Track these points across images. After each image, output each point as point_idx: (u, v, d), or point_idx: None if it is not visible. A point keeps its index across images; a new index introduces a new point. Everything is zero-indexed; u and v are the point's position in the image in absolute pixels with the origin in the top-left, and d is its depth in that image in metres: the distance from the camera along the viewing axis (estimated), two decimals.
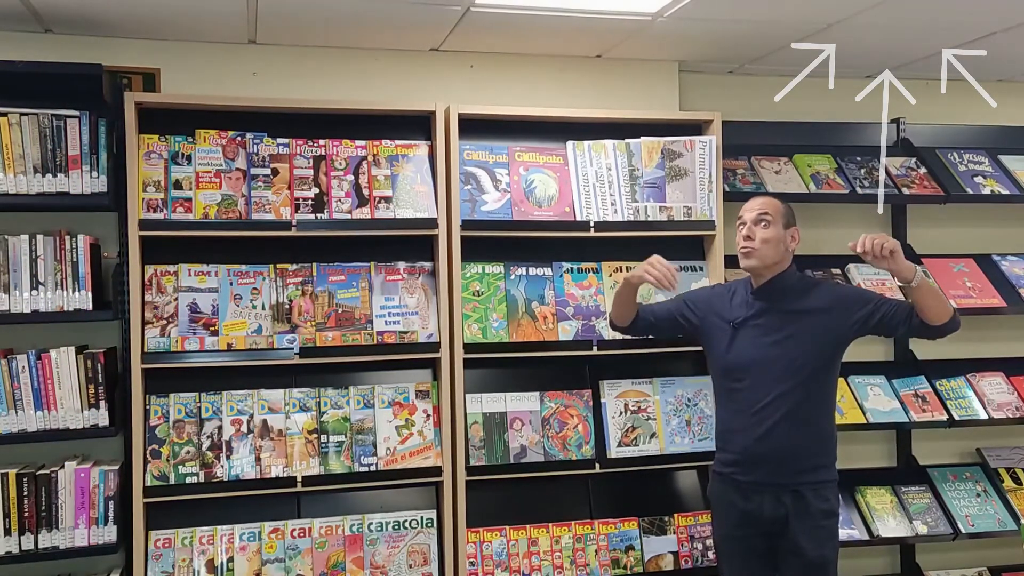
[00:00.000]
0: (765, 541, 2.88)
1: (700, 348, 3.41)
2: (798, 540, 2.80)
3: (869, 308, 2.84)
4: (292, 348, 3.19)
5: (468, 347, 3.32)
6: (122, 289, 3.15)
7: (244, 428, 3.19)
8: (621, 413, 3.49)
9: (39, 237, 3.03)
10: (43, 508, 3.00)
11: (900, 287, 2.78)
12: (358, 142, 3.36)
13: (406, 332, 3.31)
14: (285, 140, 3.29)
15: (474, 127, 3.40)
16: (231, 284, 3.23)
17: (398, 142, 3.41)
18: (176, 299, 3.17)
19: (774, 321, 2.86)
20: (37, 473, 3.01)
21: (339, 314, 3.28)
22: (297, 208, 3.24)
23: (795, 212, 2.98)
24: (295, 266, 3.30)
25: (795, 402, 2.81)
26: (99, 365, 3.05)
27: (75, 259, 3.05)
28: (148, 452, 3.11)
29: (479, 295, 3.39)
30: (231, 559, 3.15)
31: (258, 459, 3.18)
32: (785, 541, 2.83)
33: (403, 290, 3.36)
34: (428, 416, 3.34)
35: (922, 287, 2.72)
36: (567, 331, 3.43)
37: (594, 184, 3.46)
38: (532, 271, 3.48)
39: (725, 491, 2.95)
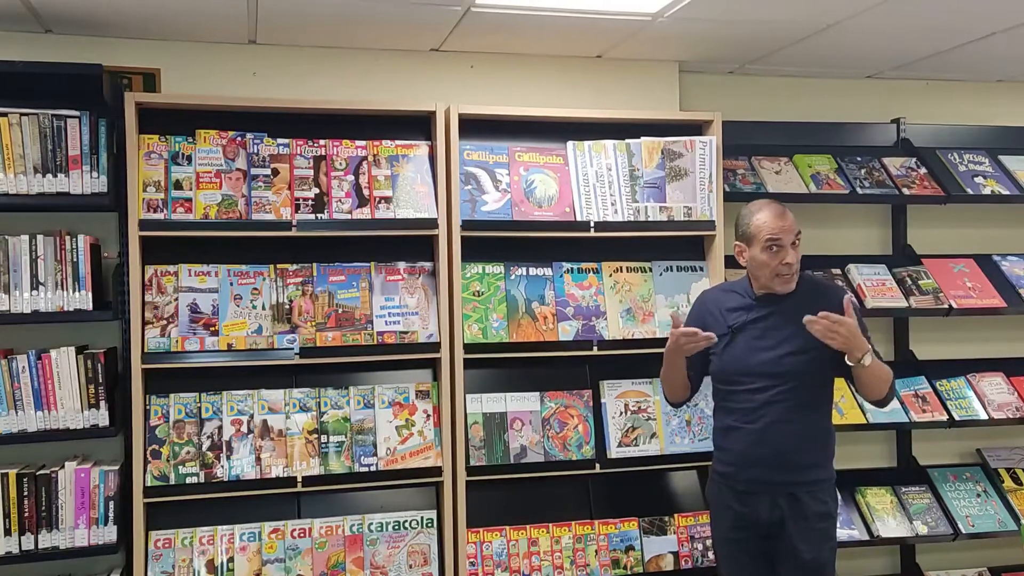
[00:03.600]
0: (762, 543, 2.88)
1: None
2: (794, 543, 2.80)
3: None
4: (292, 348, 3.19)
5: (468, 347, 3.31)
6: (122, 289, 3.15)
7: (244, 428, 3.19)
8: (621, 413, 3.49)
9: (39, 237, 3.03)
10: (43, 508, 3.00)
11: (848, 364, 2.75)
12: (358, 142, 3.36)
13: (406, 332, 3.31)
14: (285, 140, 3.29)
15: (474, 127, 3.40)
16: (231, 284, 3.23)
17: (398, 142, 3.41)
18: (176, 299, 3.17)
19: (774, 324, 2.85)
20: (37, 473, 3.01)
21: (339, 314, 3.28)
22: (297, 208, 3.24)
23: (795, 213, 2.95)
24: (295, 266, 3.30)
25: (792, 403, 2.80)
26: (99, 365, 3.05)
27: (75, 259, 3.05)
28: (148, 452, 3.10)
29: (479, 295, 3.39)
30: (231, 559, 3.15)
31: (258, 459, 3.18)
32: (782, 543, 2.83)
33: (403, 290, 3.36)
34: (428, 416, 3.34)
35: (872, 368, 2.73)
36: (567, 331, 3.43)
37: (594, 184, 3.46)
38: (532, 271, 3.48)
39: (722, 494, 2.95)
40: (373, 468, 3.24)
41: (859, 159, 4.00)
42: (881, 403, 2.89)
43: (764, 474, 2.83)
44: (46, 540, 3.01)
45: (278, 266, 3.29)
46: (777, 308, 2.86)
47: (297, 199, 3.24)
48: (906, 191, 3.91)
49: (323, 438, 3.24)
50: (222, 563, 3.14)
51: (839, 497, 3.07)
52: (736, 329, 2.88)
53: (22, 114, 3.01)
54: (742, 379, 2.85)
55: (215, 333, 3.17)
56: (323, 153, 3.32)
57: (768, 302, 2.88)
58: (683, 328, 2.86)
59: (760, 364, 2.82)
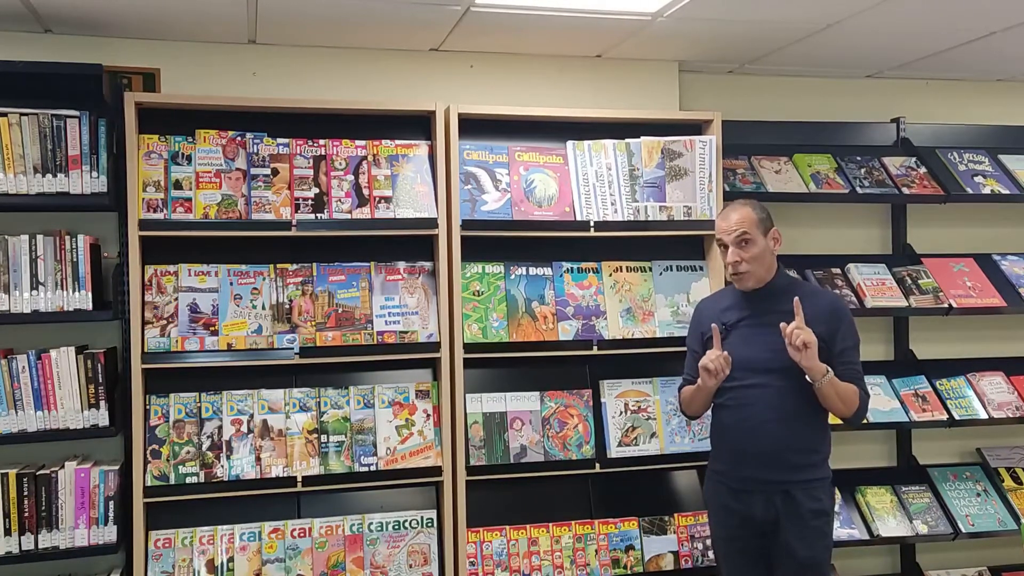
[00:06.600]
0: (759, 542, 2.89)
1: None
2: (789, 541, 2.81)
3: (840, 356, 2.84)
4: (292, 348, 3.19)
5: (468, 347, 3.32)
6: (122, 289, 3.16)
7: (244, 428, 3.19)
8: (621, 413, 3.49)
9: (39, 237, 3.03)
10: (43, 508, 3.00)
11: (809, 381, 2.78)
12: (358, 142, 3.36)
13: (406, 332, 3.31)
14: (285, 140, 3.29)
15: (474, 127, 3.40)
16: (231, 284, 3.23)
17: (398, 142, 3.41)
18: (176, 299, 3.17)
19: (766, 320, 2.85)
20: (37, 473, 3.01)
21: (339, 314, 3.28)
22: (297, 208, 3.24)
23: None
24: (295, 266, 3.30)
25: (786, 400, 2.81)
26: (99, 365, 3.05)
27: (75, 259, 3.05)
28: (148, 452, 3.11)
29: (479, 295, 3.39)
30: (231, 559, 3.15)
31: (258, 459, 3.18)
32: (777, 541, 2.84)
33: (403, 290, 3.36)
34: (428, 416, 3.34)
35: (823, 389, 2.75)
36: (567, 331, 3.43)
37: (594, 184, 3.46)
38: (532, 271, 3.48)
39: (718, 493, 2.96)
40: (373, 468, 3.25)
41: (859, 159, 4.00)
42: (850, 421, 2.88)
43: (758, 472, 2.84)
44: (46, 540, 3.01)
45: (278, 266, 3.29)
46: (767, 305, 2.88)
47: (297, 199, 3.25)
48: (906, 190, 3.91)
49: (323, 438, 3.24)
50: (222, 563, 3.14)
51: (836, 495, 3.06)
52: (730, 325, 2.91)
53: (22, 114, 3.01)
54: (736, 373, 2.86)
55: (215, 333, 3.17)
56: (323, 153, 3.32)
57: (756, 299, 2.91)
58: (719, 352, 2.83)
59: (754, 359, 2.84)
